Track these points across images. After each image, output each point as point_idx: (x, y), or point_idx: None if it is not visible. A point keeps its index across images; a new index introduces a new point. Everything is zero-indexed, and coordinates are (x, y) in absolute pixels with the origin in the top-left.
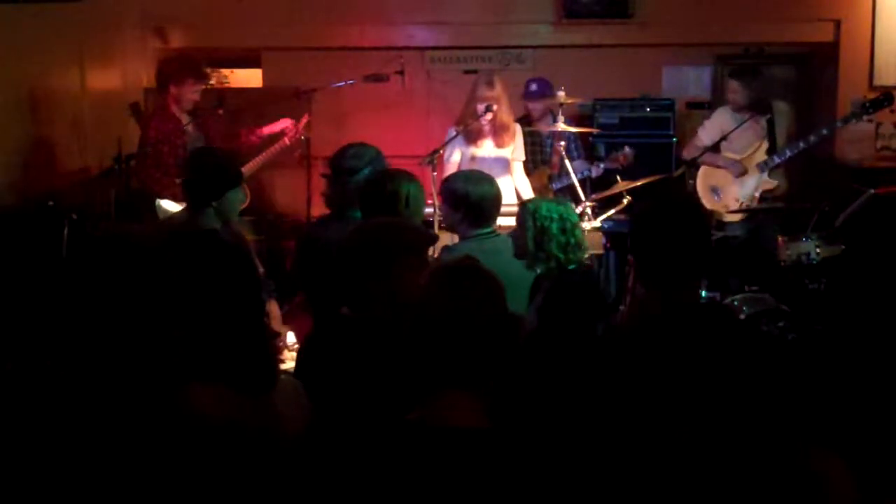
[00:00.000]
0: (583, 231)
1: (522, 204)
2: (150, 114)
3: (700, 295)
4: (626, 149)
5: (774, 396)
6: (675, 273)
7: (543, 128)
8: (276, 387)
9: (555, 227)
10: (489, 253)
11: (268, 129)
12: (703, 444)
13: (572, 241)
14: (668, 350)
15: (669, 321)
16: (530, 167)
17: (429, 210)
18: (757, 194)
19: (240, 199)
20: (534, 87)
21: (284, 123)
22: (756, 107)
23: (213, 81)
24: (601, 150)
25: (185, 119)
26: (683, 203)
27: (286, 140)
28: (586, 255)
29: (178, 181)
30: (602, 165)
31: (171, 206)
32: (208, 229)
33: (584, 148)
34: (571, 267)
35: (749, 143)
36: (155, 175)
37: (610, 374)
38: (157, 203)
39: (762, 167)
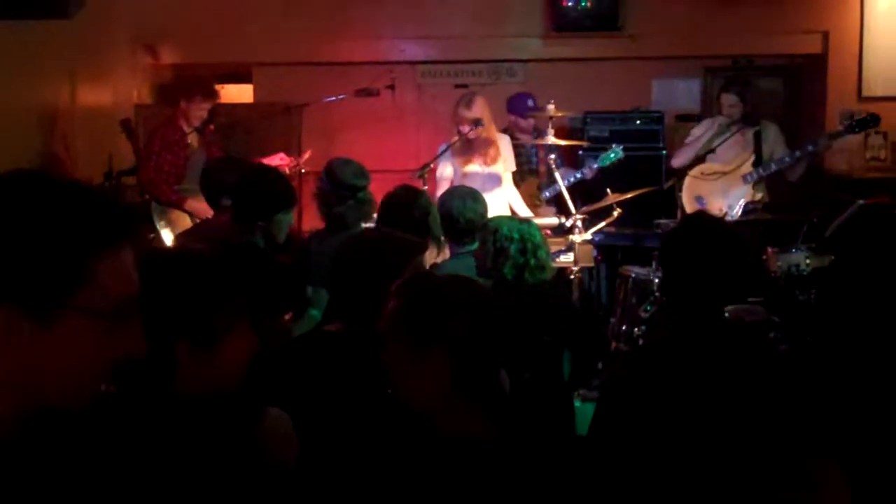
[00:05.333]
0: (548, 252)
1: (485, 223)
2: (157, 124)
3: (723, 314)
4: (615, 147)
5: (779, 407)
6: (700, 292)
7: (529, 140)
8: (264, 421)
9: (513, 248)
10: (473, 269)
11: (266, 162)
12: (714, 454)
13: (532, 262)
14: (689, 366)
15: (694, 339)
16: (517, 177)
17: None
18: (741, 206)
19: (288, 221)
20: (531, 102)
21: (281, 158)
22: (746, 119)
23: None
24: (590, 163)
25: (190, 134)
26: (716, 223)
27: (284, 167)
28: (550, 277)
29: (176, 188)
30: (595, 166)
31: (167, 235)
32: (250, 242)
33: (567, 156)
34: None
35: (736, 154)
36: (155, 180)
37: (632, 388)
38: (153, 209)
39: (747, 179)
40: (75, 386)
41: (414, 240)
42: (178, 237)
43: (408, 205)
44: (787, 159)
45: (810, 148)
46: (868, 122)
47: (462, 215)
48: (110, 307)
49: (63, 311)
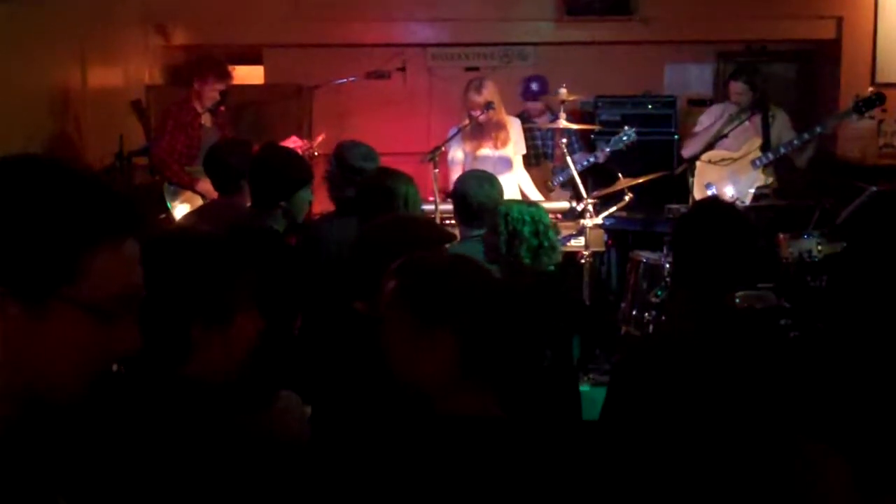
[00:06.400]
0: (557, 234)
1: (494, 208)
2: (169, 104)
3: (734, 300)
4: (627, 129)
5: (788, 393)
6: (711, 277)
7: (542, 124)
8: (276, 402)
9: (527, 230)
10: (481, 255)
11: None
12: (723, 440)
13: (545, 244)
14: (700, 352)
15: (704, 325)
16: (531, 161)
17: (429, 207)
18: (752, 191)
19: (308, 198)
20: (535, 86)
21: (294, 141)
22: (755, 106)
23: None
24: (602, 147)
25: (203, 114)
26: (726, 208)
27: (298, 150)
28: (560, 258)
29: (188, 169)
30: (608, 149)
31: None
32: (272, 229)
33: (584, 140)
34: (550, 269)
35: (745, 140)
36: (167, 161)
37: (643, 376)
38: (165, 190)
39: (756, 164)
40: (64, 378)
41: (441, 227)
42: (182, 218)
43: (373, 188)
44: (795, 142)
45: (818, 129)
46: (874, 102)
47: (475, 198)
48: (104, 302)
49: (54, 301)
